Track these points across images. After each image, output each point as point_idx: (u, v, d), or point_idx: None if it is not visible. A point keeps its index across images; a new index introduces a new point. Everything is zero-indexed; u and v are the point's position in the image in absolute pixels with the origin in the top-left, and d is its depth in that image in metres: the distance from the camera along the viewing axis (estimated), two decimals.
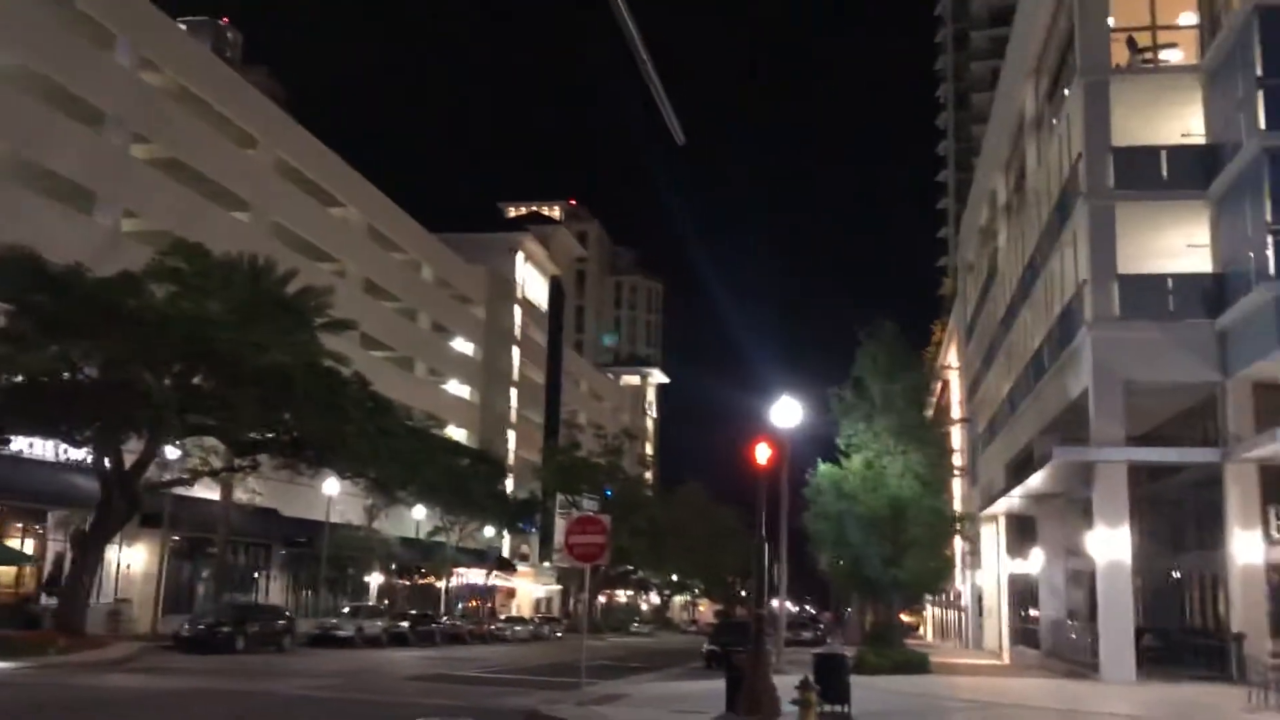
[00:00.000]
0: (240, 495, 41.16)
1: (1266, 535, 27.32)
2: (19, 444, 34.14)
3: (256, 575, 49.83)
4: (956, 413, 66.88)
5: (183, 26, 66.97)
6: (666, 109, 12.67)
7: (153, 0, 47.20)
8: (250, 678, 24.34)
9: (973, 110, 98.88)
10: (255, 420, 33.97)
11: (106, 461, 32.04)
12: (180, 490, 36.59)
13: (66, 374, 30.10)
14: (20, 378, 29.75)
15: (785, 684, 17.72)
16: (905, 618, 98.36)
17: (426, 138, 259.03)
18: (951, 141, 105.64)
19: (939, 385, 77.47)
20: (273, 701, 19.42)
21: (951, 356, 72.45)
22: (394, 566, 57.53)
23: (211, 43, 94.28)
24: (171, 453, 35.19)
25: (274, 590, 50.37)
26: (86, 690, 20.12)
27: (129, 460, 32.72)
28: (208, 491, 40.37)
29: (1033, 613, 40.23)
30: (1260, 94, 25.78)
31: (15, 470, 34.12)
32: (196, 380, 33.03)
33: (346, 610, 45.52)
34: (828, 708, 17.26)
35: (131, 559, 40.83)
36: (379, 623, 44.01)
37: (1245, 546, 27.30)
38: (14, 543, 36.33)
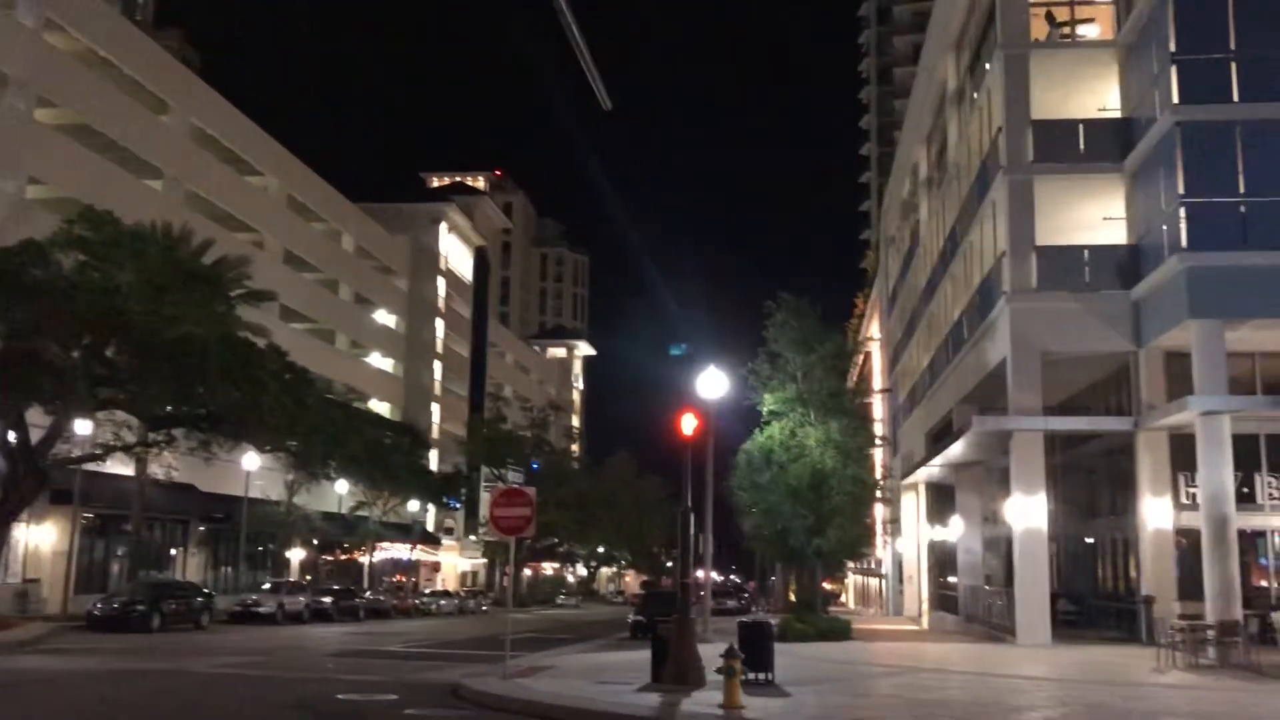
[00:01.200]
0: (156, 470, 40.16)
1: (1176, 501, 28.16)
2: None
3: (174, 552, 48.77)
4: (879, 383, 67.81)
5: None
6: (593, 75, 12.47)
7: None
8: (166, 657, 23.79)
9: (895, 84, 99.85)
10: (169, 394, 33.08)
11: (11, 436, 30.95)
12: (92, 466, 35.54)
13: None
14: None
15: (710, 653, 17.79)
16: (828, 585, 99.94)
17: (348, 106, 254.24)
18: (874, 115, 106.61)
19: (861, 357, 78.41)
20: (189, 681, 18.97)
21: (874, 328, 73.38)
22: (316, 542, 56.73)
23: (121, 3, 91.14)
24: (82, 427, 34.12)
25: (192, 567, 49.36)
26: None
27: (37, 435, 31.67)
28: (122, 467, 39.33)
29: (951, 579, 41.03)
30: (1174, 69, 26.31)
31: None
32: (108, 353, 32.01)
33: (267, 586, 44.72)
34: (752, 676, 17.35)
35: (40, 537, 39.67)
36: (301, 598, 43.36)
37: (1155, 512, 28.09)
38: None
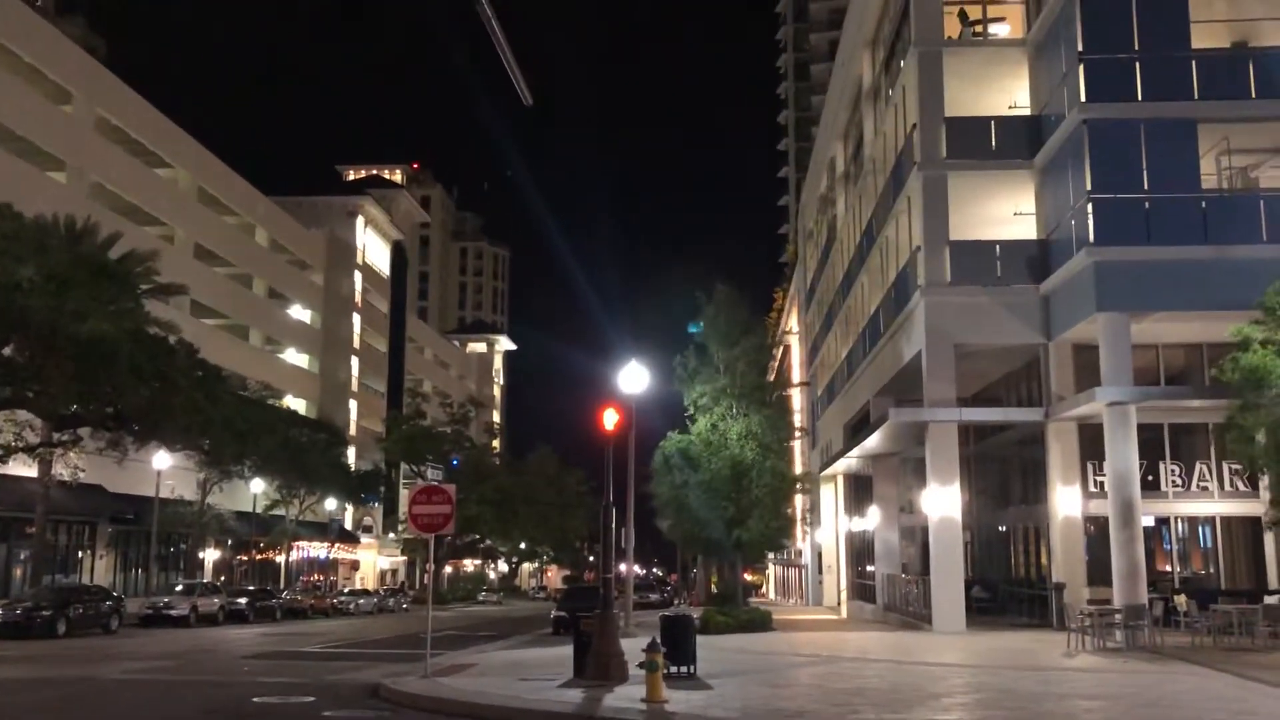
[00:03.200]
0: (61, 471, 38.97)
1: (1085, 489, 28.92)
2: None
3: (80, 555, 47.39)
4: (797, 376, 68.54)
5: None
6: (514, 71, 12.32)
7: None
8: (76, 663, 23.08)
9: (812, 80, 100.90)
10: (73, 392, 32.23)
11: None
12: None
13: None
14: None
15: (633, 647, 17.81)
16: (749, 577, 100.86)
17: (262, 96, 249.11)
18: (792, 110, 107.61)
19: (780, 350, 79.19)
20: (96, 688, 18.42)
21: (793, 322, 74.15)
22: (230, 542, 55.61)
23: None
24: None
25: (100, 570, 48.04)
26: None
27: None
28: (24, 469, 38.08)
29: (869, 569, 41.66)
30: (1081, 68, 26.94)
31: None
32: (7, 351, 30.98)
33: (179, 588, 43.62)
34: (675, 669, 17.42)
35: None
36: (215, 600, 42.39)
37: (1065, 500, 28.84)
38: None
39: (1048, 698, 15.71)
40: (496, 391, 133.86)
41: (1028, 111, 30.59)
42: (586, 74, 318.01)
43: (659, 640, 15.86)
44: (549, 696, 15.52)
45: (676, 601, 62.06)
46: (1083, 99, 26.64)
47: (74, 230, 35.69)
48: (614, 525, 18.52)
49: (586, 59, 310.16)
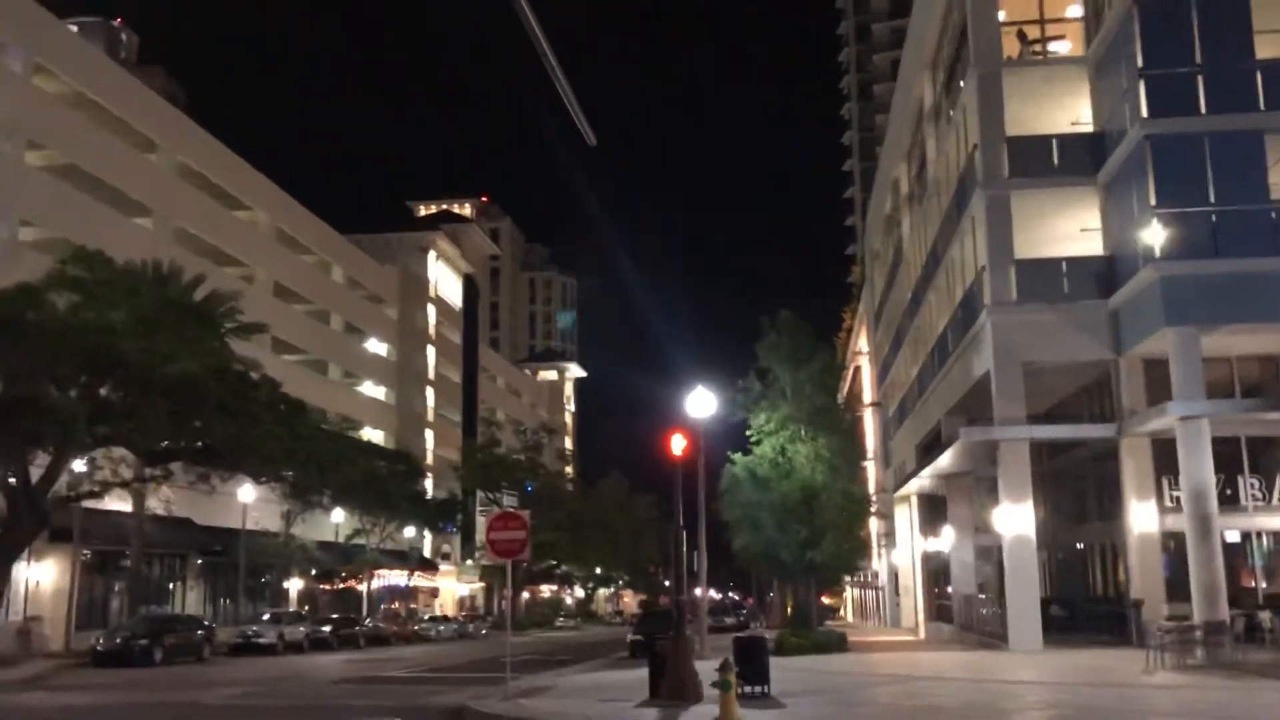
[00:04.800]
0: (154, 505, 40.41)
1: (1161, 505, 28.66)
2: None
3: (172, 586, 48.95)
4: (868, 397, 68.37)
5: (74, 28, 65.29)
6: (576, 112, 12.90)
7: (42, 2, 45.91)
8: (171, 689, 24.09)
9: (875, 100, 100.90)
10: (165, 429, 33.41)
11: (12, 478, 31.28)
12: (90, 503, 35.82)
13: None
14: None
15: (707, 669, 18.18)
16: (826, 600, 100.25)
17: (333, 137, 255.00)
18: (856, 131, 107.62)
19: (851, 371, 79.02)
20: (198, 711, 19.31)
21: (862, 343, 73.96)
22: (314, 571, 56.91)
23: (105, 44, 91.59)
24: (80, 465, 34.43)
25: (191, 600, 49.52)
26: (9, 709, 19.77)
27: (36, 475, 31.98)
28: (119, 503, 39.59)
29: (946, 589, 41.44)
30: (1141, 83, 26.95)
31: None
32: (104, 391, 32.36)
33: (267, 617, 44.91)
34: (748, 689, 17.77)
35: (41, 575, 39.89)
36: (301, 628, 43.55)
37: (1141, 516, 28.60)
38: None
39: (1126, 714, 15.81)
40: (568, 418, 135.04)
41: (1090, 128, 30.57)
42: (650, 99, 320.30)
43: (732, 661, 16.25)
44: (626, 716, 16.00)
45: (753, 625, 62.01)
46: (1144, 114, 26.63)
47: (161, 274, 37.09)
48: (684, 549, 18.97)
49: (649, 83, 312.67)
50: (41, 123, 45.19)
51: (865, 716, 16.16)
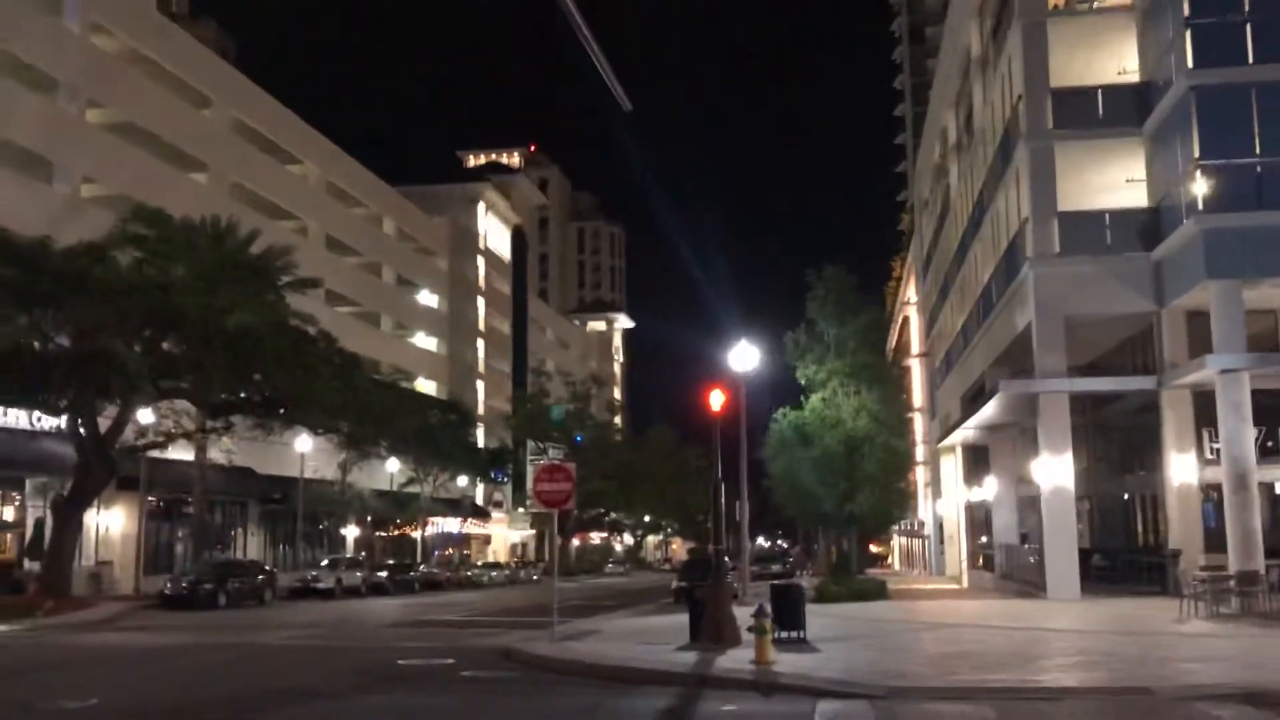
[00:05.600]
0: (215, 455, 41.88)
1: (1200, 457, 28.79)
2: None
3: (234, 532, 50.67)
4: (917, 347, 68.40)
5: None
6: (610, 78, 13.40)
7: None
8: (236, 631, 25.33)
9: (927, 44, 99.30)
10: (226, 382, 34.67)
11: (82, 428, 32.65)
12: (156, 453, 37.21)
13: (39, 344, 30.61)
14: None
15: (748, 615, 18.89)
16: (874, 548, 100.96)
17: (381, 85, 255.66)
18: (907, 75, 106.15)
19: (899, 321, 78.94)
20: (262, 652, 20.42)
21: (911, 292, 73.77)
22: (369, 518, 58.50)
23: None
24: (145, 416, 35.76)
25: (251, 546, 51.27)
26: (80, 649, 21.03)
27: (104, 426, 33.36)
28: (183, 453, 41.02)
29: (988, 538, 41.83)
30: (1188, 33, 26.73)
31: None
32: (166, 345, 33.59)
33: (325, 563, 46.48)
34: (784, 634, 18.44)
35: (110, 521, 41.56)
36: (357, 574, 45.04)
37: (1180, 468, 28.78)
38: None
39: (1147, 660, 16.25)
40: (616, 369, 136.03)
41: (1136, 78, 30.34)
42: (696, 44, 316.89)
43: (769, 607, 16.95)
44: (665, 658, 16.76)
45: (798, 573, 62.81)
46: (1189, 65, 26.44)
47: (218, 230, 38.11)
48: (722, 500, 19.62)
49: (699, 26, 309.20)
50: (100, 81, 46.28)
51: (895, 660, 16.78)
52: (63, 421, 33.41)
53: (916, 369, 68.90)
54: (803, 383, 35.20)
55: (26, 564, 36.47)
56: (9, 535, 37.73)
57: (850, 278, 35.15)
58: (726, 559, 29.61)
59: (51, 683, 15.77)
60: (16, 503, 38.49)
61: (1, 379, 30.10)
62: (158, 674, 17.17)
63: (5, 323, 29.51)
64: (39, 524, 37.56)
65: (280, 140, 60.94)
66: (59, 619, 27.34)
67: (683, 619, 20.14)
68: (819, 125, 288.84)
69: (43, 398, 31.83)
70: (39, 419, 35.55)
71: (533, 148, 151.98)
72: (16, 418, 36.09)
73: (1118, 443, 36.00)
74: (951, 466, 51.80)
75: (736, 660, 16.09)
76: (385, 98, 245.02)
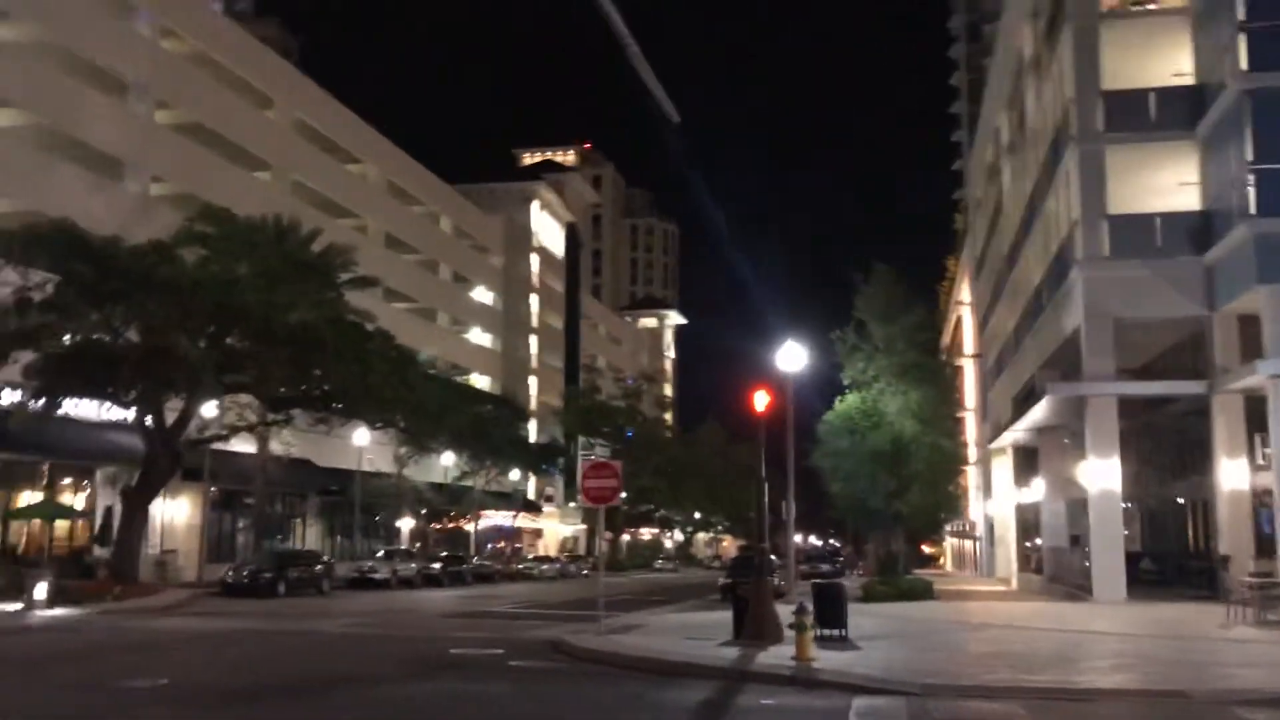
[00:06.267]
0: (275, 447, 42.95)
1: (1252, 462, 28.64)
2: (66, 406, 35.90)
3: (293, 523, 51.90)
4: (970, 347, 68.08)
5: None
6: (659, 93, 13.76)
7: None
8: (297, 619, 26.20)
9: (984, 42, 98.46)
10: (286, 377, 35.61)
11: (149, 421, 33.79)
12: (219, 445, 38.33)
13: (108, 339, 31.75)
14: (67, 343, 31.41)
15: (791, 613, 19.28)
16: (927, 549, 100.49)
17: (438, 84, 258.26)
18: (964, 73, 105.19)
19: (953, 320, 78.56)
20: (321, 639, 21.20)
21: (964, 292, 73.42)
22: (424, 511, 59.51)
23: None
24: (209, 410, 36.84)
25: (309, 537, 52.47)
26: (148, 632, 21.96)
27: (170, 419, 34.48)
28: (244, 445, 42.17)
29: (1037, 540, 41.76)
30: (1242, 36, 26.62)
31: (64, 431, 35.88)
32: (230, 341, 34.61)
33: (381, 554, 47.49)
34: (826, 632, 18.81)
35: (175, 511, 42.83)
36: (412, 565, 45.97)
37: (1232, 473, 28.67)
38: (65, 499, 38.37)
39: (1187, 664, 16.42)
40: (668, 365, 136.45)
41: (1190, 80, 30.21)
42: (748, 40, 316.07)
43: (812, 606, 17.36)
44: (708, 653, 17.23)
45: (848, 573, 62.92)
46: (1244, 68, 26.35)
47: (280, 228, 39.04)
48: (766, 499, 20.03)
49: (747, 24, 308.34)
50: (169, 83, 47.62)
51: (933, 659, 17.10)
52: (131, 414, 34.59)
53: (970, 369, 68.59)
54: (846, 383, 35.39)
55: (96, 550, 37.79)
56: (80, 523, 39.08)
57: (899, 277, 35.31)
58: (773, 557, 30.04)
59: (124, 663, 16.60)
60: (87, 491, 39.86)
61: (75, 373, 31.22)
62: (223, 658, 18.00)
63: (77, 319, 30.67)
64: (108, 512, 38.88)
65: (340, 140, 62.18)
66: (128, 604, 28.41)
67: (728, 615, 20.52)
68: (875, 123, 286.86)
69: (112, 391, 32.96)
70: (108, 410, 36.80)
71: (587, 145, 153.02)
72: (87, 409, 37.37)
73: (1169, 447, 35.81)
74: (1003, 468, 51.64)
75: (777, 656, 16.50)
76: (442, 96, 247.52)
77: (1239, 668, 16.05)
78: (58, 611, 25.88)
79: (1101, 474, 29.38)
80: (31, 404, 31.04)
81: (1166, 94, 30.31)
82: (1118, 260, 29.70)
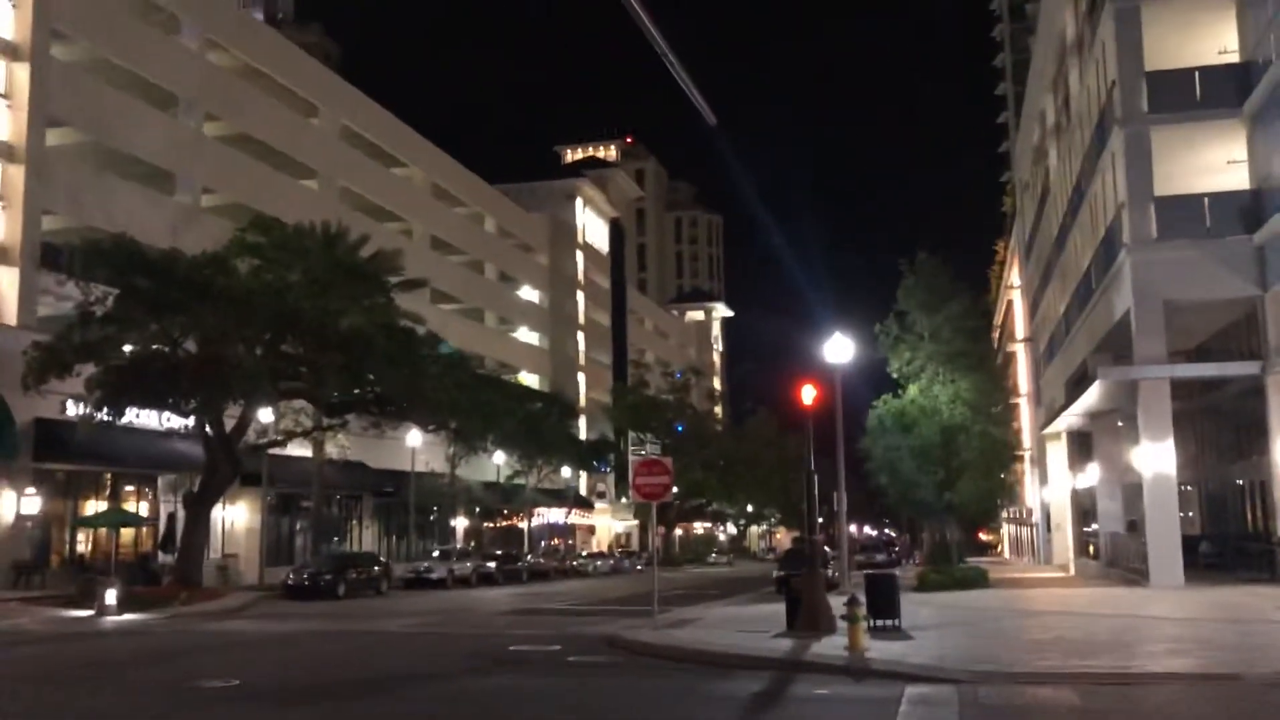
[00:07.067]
0: (331, 451, 43.72)
1: None
2: (127, 416, 36.81)
3: (349, 525, 52.73)
4: (1021, 331, 67.56)
5: None
6: (695, 96, 14.03)
7: None
8: (358, 619, 26.76)
9: (1028, 20, 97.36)
10: (340, 382, 36.28)
11: (209, 429, 34.57)
12: (275, 450, 39.08)
13: (168, 350, 32.55)
14: (129, 353, 32.24)
15: (843, 604, 19.43)
16: (985, 537, 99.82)
17: (479, 83, 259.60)
18: (1008, 54, 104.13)
19: (1004, 305, 77.92)
20: (384, 638, 21.70)
21: (1015, 276, 72.82)
22: (477, 510, 60.15)
23: (263, 5, 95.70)
24: (265, 416, 37.57)
25: (366, 538, 53.27)
26: (216, 635, 22.59)
27: (229, 426, 35.25)
28: (300, 449, 42.94)
29: (1094, 526, 41.47)
30: None
31: (126, 440, 36.81)
32: (285, 348, 35.32)
33: (436, 554, 48.11)
34: (879, 622, 18.93)
35: (235, 516, 43.75)
36: (468, 564, 46.52)
37: None
38: (129, 506, 39.36)
39: (1243, 648, 16.38)
40: (715, 357, 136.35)
41: (1235, 58, 29.84)
42: (795, 30, 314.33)
43: (864, 597, 17.50)
44: (762, 645, 17.45)
45: (904, 562, 62.72)
46: None
47: (329, 235, 39.73)
48: (815, 493, 20.18)
49: (787, 11, 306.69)
50: (216, 95, 48.49)
51: (985, 646, 17.18)
52: (190, 422, 35.39)
53: (1021, 354, 68.06)
54: (894, 375, 35.33)
55: (160, 556, 38.74)
56: (144, 529, 40.07)
57: (941, 266, 35.15)
58: (826, 548, 30.16)
59: (196, 665, 17.15)
60: (149, 498, 40.84)
61: (137, 383, 32.02)
62: (290, 658, 18.51)
63: (138, 330, 31.49)
64: (170, 519, 39.84)
65: (385, 144, 62.90)
66: (194, 608, 29.18)
67: (782, 608, 20.72)
68: (920, 106, 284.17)
69: (172, 400, 33.76)
70: (168, 419, 37.69)
71: (629, 139, 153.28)
72: (148, 418, 38.27)
73: (1225, 428, 35.42)
74: (1058, 453, 51.26)
75: (830, 647, 16.68)
76: (483, 96, 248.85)
77: None
78: (128, 617, 26.67)
79: (1156, 458, 29.16)
80: (95, 415, 31.86)
81: (1212, 72, 29.98)
82: (1166, 242, 29.45)
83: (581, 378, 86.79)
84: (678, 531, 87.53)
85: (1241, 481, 34.63)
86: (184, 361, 32.61)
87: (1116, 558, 35.25)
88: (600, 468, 77.65)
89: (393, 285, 40.25)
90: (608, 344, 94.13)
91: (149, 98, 44.02)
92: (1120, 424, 37.80)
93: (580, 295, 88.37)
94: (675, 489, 23.01)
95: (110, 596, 27.32)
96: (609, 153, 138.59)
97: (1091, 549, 42.26)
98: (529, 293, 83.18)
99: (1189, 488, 36.12)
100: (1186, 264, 29.17)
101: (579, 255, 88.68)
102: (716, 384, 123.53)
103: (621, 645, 18.73)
